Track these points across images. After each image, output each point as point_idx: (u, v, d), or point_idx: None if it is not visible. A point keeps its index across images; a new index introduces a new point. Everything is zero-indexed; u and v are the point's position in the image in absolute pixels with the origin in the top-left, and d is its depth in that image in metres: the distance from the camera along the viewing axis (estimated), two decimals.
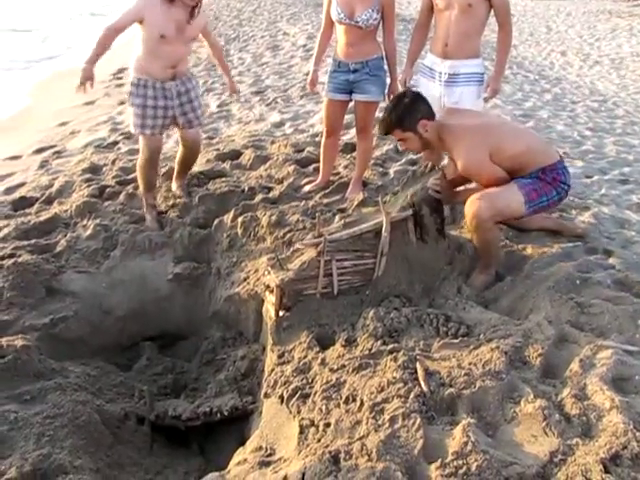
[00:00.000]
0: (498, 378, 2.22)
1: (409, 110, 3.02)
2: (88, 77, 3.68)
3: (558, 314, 2.65)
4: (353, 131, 5.70)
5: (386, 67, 4.06)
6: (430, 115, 3.06)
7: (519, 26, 16.99)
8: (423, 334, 2.61)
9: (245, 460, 2.29)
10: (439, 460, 1.92)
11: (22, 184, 5.26)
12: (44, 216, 4.25)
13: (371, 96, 3.99)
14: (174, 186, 4.49)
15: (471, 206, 2.96)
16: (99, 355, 3.39)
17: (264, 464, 2.21)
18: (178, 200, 4.33)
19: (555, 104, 7.97)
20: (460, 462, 1.89)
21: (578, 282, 2.88)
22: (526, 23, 17.74)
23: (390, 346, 2.49)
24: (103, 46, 3.74)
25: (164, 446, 2.92)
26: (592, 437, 1.98)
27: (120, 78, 9.53)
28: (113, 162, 5.27)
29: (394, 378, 2.26)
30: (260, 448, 2.35)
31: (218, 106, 7.35)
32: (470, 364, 2.31)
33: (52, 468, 2.26)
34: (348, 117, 6.18)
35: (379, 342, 2.54)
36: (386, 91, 4.06)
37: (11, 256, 3.64)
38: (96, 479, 2.34)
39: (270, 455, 2.29)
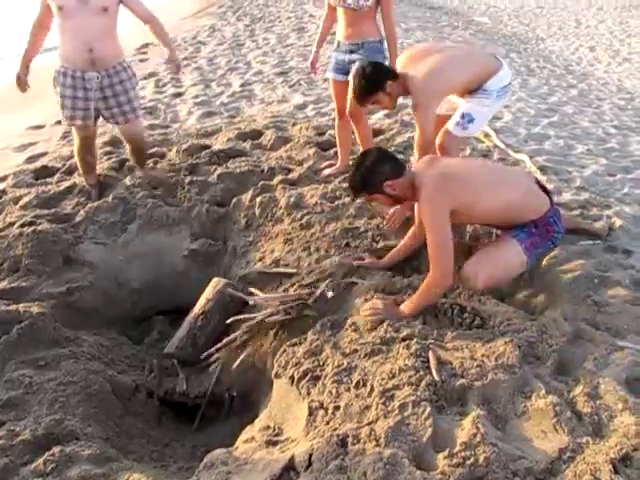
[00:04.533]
0: (510, 372, 2.21)
1: (370, 174, 2.79)
2: (18, 74, 3.74)
3: (575, 311, 2.63)
4: (375, 116, 5.70)
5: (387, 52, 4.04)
6: (396, 173, 2.79)
7: (548, 19, 16.73)
8: (437, 324, 2.61)
9: (253, 438, 2.31)
10: (447, 450, 1.92)
11: (44, 154, 5.31)
12: (64, 186, 4.29)
13: None
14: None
15: (471, 275, 2.77)
16: (112, 326, 3.43)
17: (271, 443, 2.23)
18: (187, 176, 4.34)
19: (581, 100, 7.84)
20: (468, 453, 1.89)
21: (596, 281, 2.84)
22: (555, 16, 17.43)
23: (403, 333, 2.48)
24: (33, 40, 3.71)
25: (173, 419, 2.95)
26: (603, 437, 1.97)
27: (144, 53, 9.55)
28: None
29: (406, 365, 2.25)
30: (268, 427, 2.37)
31: (241, 85, 7.33)
32: (483, 356, 2.30)
33: (64, 434, 2.31)
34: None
35: (392, 328, 2.53)
36: None
37: (31, 224, 3.68)
38: (105, 447, 2.36)
39: (278, 435, 2.30)
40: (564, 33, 14.89)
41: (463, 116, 3.43)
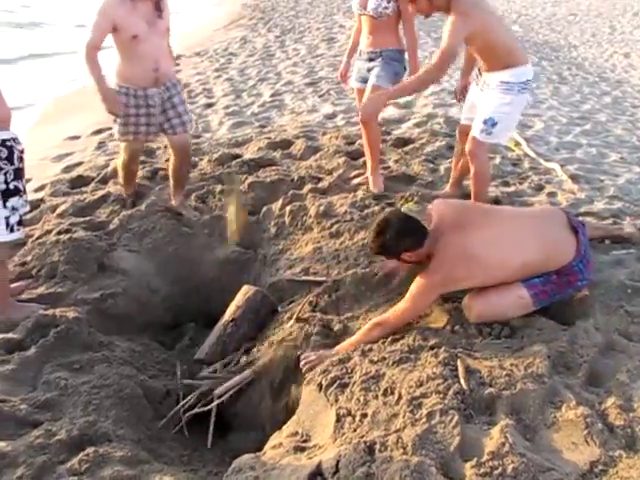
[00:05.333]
0: (540, 381, 2.20)
1: (390, 245, 2.73)
2: (112, 100, 3.67)
3: (607, 322, 2.59)
4: (404, 125, 5.71)
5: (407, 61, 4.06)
6: (416, 245, 2.71)
7: (581, 26, 16.52)
8: (465, 333, 2.60)
9: (280, 444, 2.32)
10: (474, 459, 1.92)
11: (80, 163, 5.45)
12: (99, 195, 4.40)
13: (376, 80, 3.95)
14: (174, 202, 4.20)
15: (468, 308, 2.71)
16: (144, 332, 3.48)
17: (299, 449, 2.24)
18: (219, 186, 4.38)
19: (614, 107, 7.72)
20: (496, 463, 1.88)
21: (629, 291, 2.80)
22: (589, 23, 17.20)
23: (432, 342, 2.48)
24: (96, 66, 3.62)
25: (203, 424, 2.98)
26: (637, 450, 1.94)
27: (177, 64, 9.69)
28: (166, 146, 5.38)
29: (434, 374, 2.25)
30: (296, 433, 2.38)
31: (271, 95, 7.41)
32: (512, 365, 2.29)
33: (97, 435, 2.36)
34: (400, 112, 6.17)
35: (420, 337, 2.53)
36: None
37: (67, 231, 3.78)
38: (137, 449, 2.41)
39: (305, 441, 2.32)
40: (598, 40, 14.68)
41: (485, 121, 3.40)
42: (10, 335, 2.90)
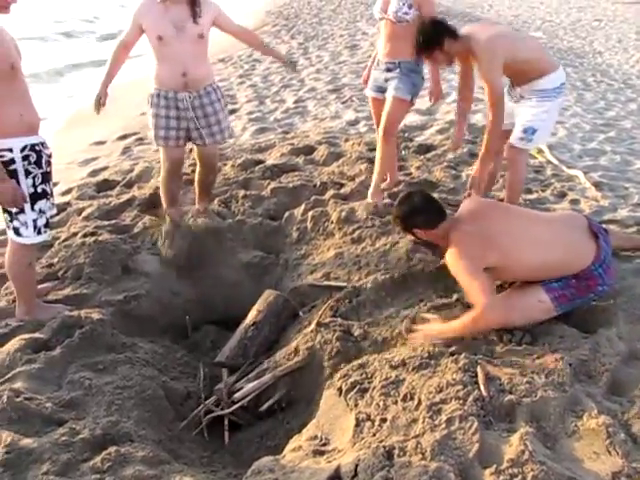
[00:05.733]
0: (561, 389, 2.19)
1: (405, 218, 2.96)
2: (99, 95, 3.73)
3: (630, 330, 2.57)
4: (428, 132, 5.71)
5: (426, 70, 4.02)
6: (427, 225, 2.87)
7: (606, 32, 16.34)
8: (486, 339, 2.59)
9: (300, 447, 2.34)
10: (494, 466, 1.91)
11: (105, 168, 5.56)
12: (124, 199, 4.47)
13: (395, 92, 3.91)
14: (198, 207, 4.21)
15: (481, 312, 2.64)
16: (166, 334, 3.53)
17: (318, 453, 2.25)
18: (245, 191, 4.40)
19: None
20: (515, 470, 1.88)
21: None
22: (614, 29, 17.01)
23: (452, 348, 2.48)
24: (114, 61, 3.72)
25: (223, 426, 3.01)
26: None
27: None
28: (191, 151, 5.45)
29: (454, 380, 2.25)
30: (315, 437, 2.39)
31: (294, 102, 7.47)
32: (532, 373, 2.28)
33: (119, 435, 2.40)
34: (422, 119, 6.17)
35: (440, 343, 2.53)
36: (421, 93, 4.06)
37: (93, 234, 3.85)
38: (158, 450, 2.44)
39: (325, 445, 2.33)
40: (624, 46, 14.51)
41: (525, 130, 3.43)
42: (37, 335, 2.96)
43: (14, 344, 2.86)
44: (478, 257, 2.63)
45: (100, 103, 3.77)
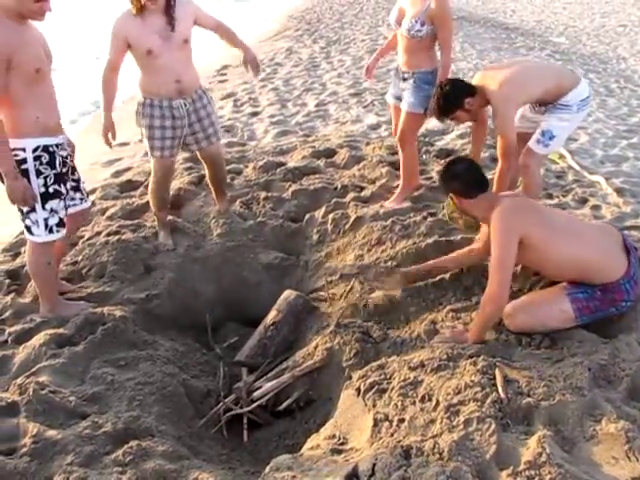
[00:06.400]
0: (580, 394, 2.18)
1: (444, 181, 3.00)
2: (108, 128, 3.68)
3: None
4: (448, 137, 5.71)
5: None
6: (464, 192, 2.89)
7: (631, 38, 16.14)
8: (504, 342, 2.59)
9: (318, 446, 2.36)
10: (511, 468, 1.91)
11: (129, 169, 5.64)
12: (146, 199, 4.52)
13: (408, 107, 3.97)
14: (218, 208, 4.25)
15: (508, 317, 2.70)
16: (187, 333, 3.57)
17: (336, 451, 2.27)
18: (264, 193, 4.45)
19: None
20: (532, 472, 1.88)
21: None
22: None
23: (470, 350, 2.49)
24: (109, 88, 3.62)
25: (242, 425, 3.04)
26: None
27: (224, 74, 9.92)
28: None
29: (472, 382, 2.26)
30: (333, 436, 2.41)
31: (316, 105, 7.50)
32: (551, 376, 2.28)
33: (140, 429, 2.45)
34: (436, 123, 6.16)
35: (459, 345, 2.54)
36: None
37: (116, 233, 3.92)
38: (178, 445, 2.49)
39: (343, 444, 2.35)
40: None
41: (544, 134, 3.44)
42: (61, 330, 3.03)
43: (39, 339, 2.93)
44: (520, 224, 2.65)
45: (109, 138, 3.72)
